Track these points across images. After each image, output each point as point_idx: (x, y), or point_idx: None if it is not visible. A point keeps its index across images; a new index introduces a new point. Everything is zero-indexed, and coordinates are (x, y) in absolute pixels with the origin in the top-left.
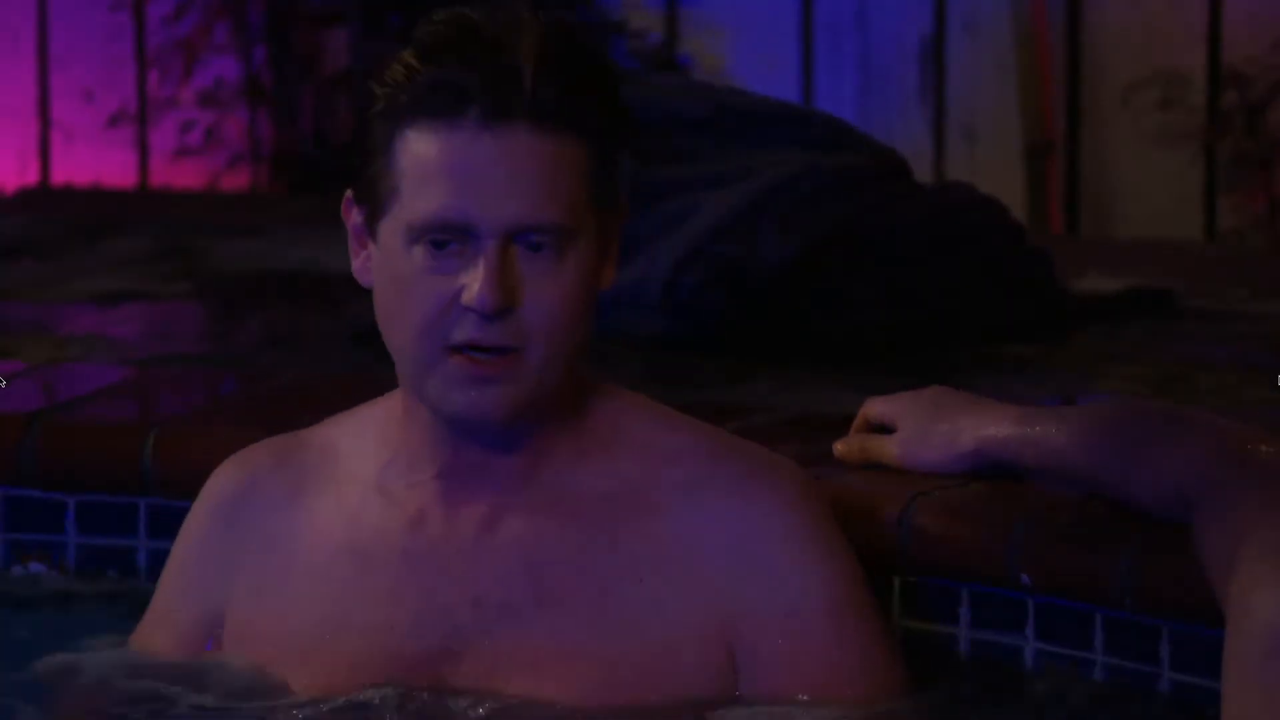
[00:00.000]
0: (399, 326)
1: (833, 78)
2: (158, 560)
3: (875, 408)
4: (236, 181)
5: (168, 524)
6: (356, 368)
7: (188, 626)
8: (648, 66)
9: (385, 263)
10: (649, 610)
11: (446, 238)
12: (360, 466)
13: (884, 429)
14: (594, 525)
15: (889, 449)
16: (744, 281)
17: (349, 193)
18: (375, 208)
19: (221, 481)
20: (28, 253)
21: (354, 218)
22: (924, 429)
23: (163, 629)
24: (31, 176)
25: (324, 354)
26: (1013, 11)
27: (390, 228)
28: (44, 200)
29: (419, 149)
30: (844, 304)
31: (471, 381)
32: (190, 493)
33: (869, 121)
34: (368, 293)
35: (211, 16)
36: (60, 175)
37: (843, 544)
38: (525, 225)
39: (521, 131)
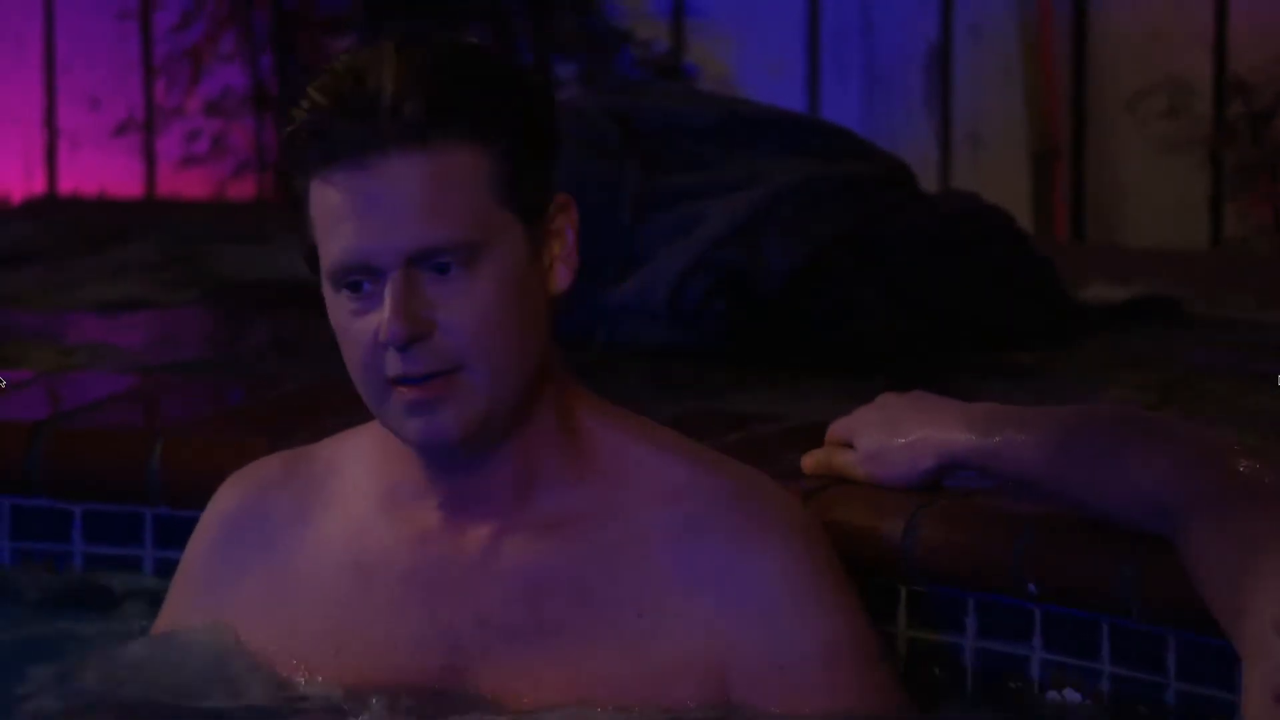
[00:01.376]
0: (350, 372)
1: (839, 85)
2: (164, 569)
3: (836, 430)
4: (243, 190)
5: (174, 533)
6: None
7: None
8: (654, 75)
9: (329, 307)
10: (648, 640)
11: (358, 279)
12: (366, 484)
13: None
14: (592, 555)
15: (852, 466)
16: (749, 289)
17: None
18: (311, 262)
19: (228, 495)
20: (34, 261)
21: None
22: (882, 446)
23: None
24: (38, 184)
25: (330, 362)
26: (1019, 18)
27: (324, 279)
28: (50, 208)
29: (317, 199)
30: (849, 311)
31: (415, 409)
32: (197, 501)
33: (875, 128)
34: None
35: (218, 25)
36: (66, 183)
37: (843, 585)
38: (421, 249)
39: (394, 158)
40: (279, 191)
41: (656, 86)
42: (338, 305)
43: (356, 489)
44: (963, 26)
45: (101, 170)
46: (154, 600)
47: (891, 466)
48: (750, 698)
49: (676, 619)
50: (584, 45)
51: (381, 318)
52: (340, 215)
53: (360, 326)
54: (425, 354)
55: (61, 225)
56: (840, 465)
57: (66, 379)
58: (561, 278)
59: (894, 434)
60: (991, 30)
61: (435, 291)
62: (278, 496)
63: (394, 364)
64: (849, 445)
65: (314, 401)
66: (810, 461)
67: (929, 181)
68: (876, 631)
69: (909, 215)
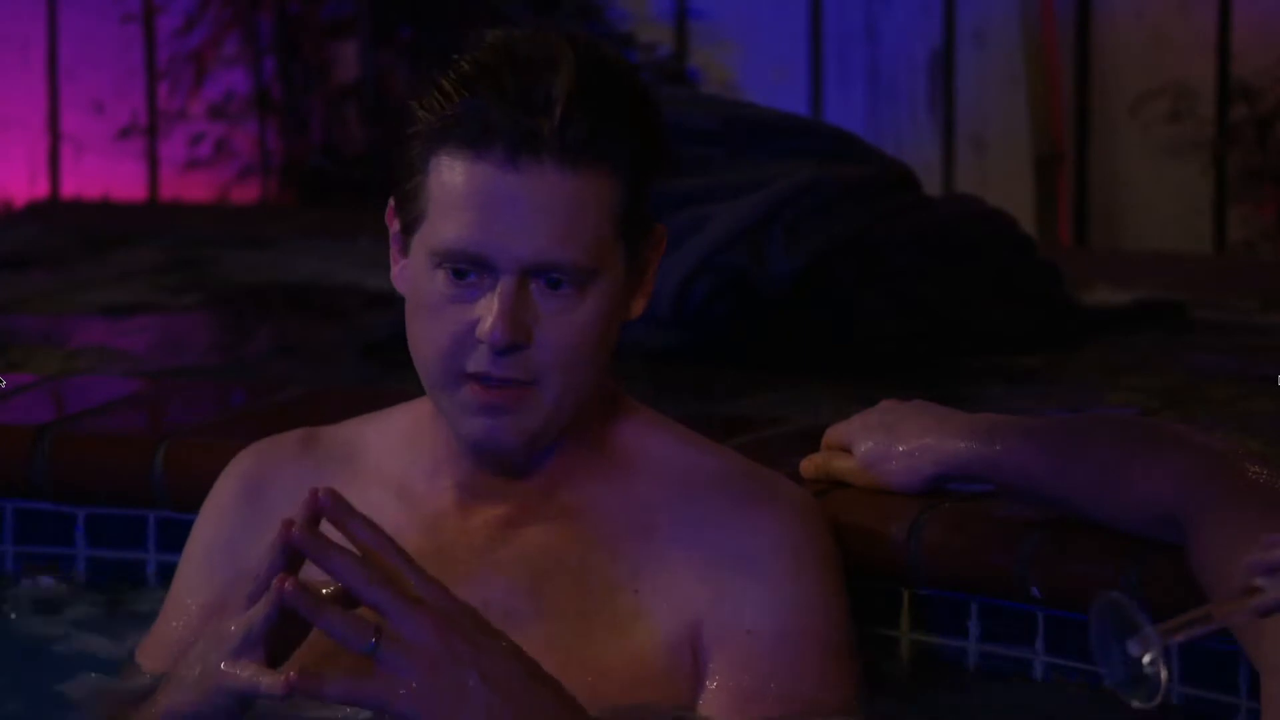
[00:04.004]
0: (421, 345)
1: (842, 89)
2: (167, 572)
3: (833, 435)
4: (246, 193)
5: (177, 536)
6: (366, 380)
7: (215, 597)
8: (657, 79)
9: (414, 280)
10: (635, 617)
11: (466, 268)
12: (382, 466)
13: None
14: (597, 538)
15: (852, 472)
16: (753, 292)
17: (391, 200)
18: (408, 223)
19: (244, 466)
20: (37, 265)
21: (394, 226)
22: (882, 452)
23: (191, 599)
24: (41, 189)
25: (333, 366)
26: (1022, 22)
27: (418, 247)
28: (54, 212)
29: (447, 176)
30: (851, 314)
31: (484, 409)
32: (200, 505)
33: (878, 133)
34: (378, 304)
35: (221, 29)
36: (70, 188)
37: (828, 575)
38: (543, 263)
39: (547, 168)
40: (283, 194)
41: (660, 90)
42: (429, 281)
43: (372, 472)
44: (966, 31)
45: (105, 174)
46: (158, 602)
47: (891, 473)
48: (712, 661)
49: (665, 592)
50: None
51: (483, 313)
52: (468, 202)
53: (454, 313)
54: (515, 362)
55: (65, 229)
56: (839, 470)
57: (70, 383)
58: (638, 306)
59: (894, 441)
60: (994, 34)
61: (541, 304)
62: (293, 469)
63: (481, 361)
64: (845, 450)
65: (316, 405)
66: (809, 466)
67: (932, 185)
68: (854, 634)
69: (912, 219)
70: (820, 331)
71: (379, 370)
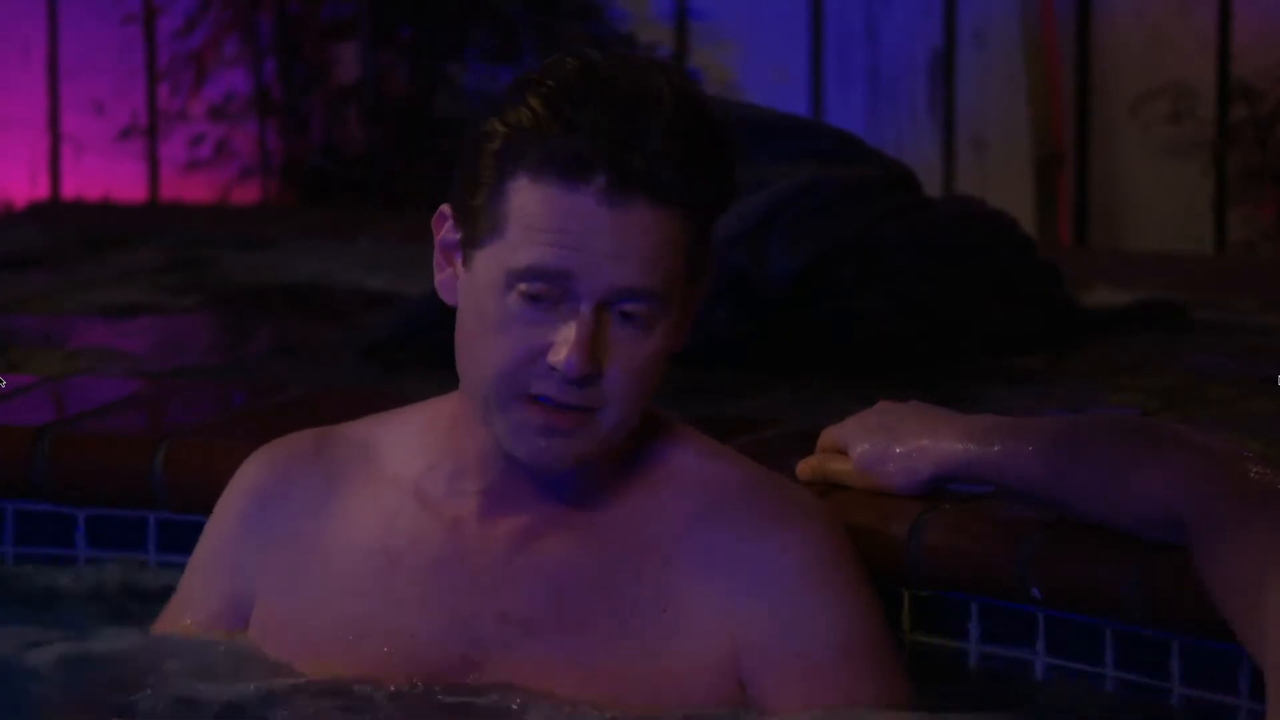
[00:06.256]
0: (479, 361)
1: (842, 90)
2: (168, 573)
3: (829, 437)
4: (247, 194)
5: (177, 537)
6: (366, 380)
7: (219, 607)
8: None
9: (476, 295)
10: (666, 638)
11: (543, 292)
12: (400, 469)
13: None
14: (620, 554)
15: (850, 474)
16: (753, 293)
17: (445, 207)
18: (473, 236)
19: (257, 467)
20: (38, 265)
21: (445, 234)
22: (879, 454)
23: (192, 610)
24: (42, 189)
25: (333, 366)
26: (1022, 23)
27: (487, 263)
28: (54, 213)
29: (532, 200)
30: (853, 316)
31: (542, 431)
32: (200, 506)
33: (878, 133)
34: (378, 305)
35: (222, 29)
36: (70, 188)
37: (862, 582)
38: (622, 294)
39: (639, 206)
40: (284, 195)
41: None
42: (500, 300)
43: (390, 473)
44: (966, 31)
45: (105, 175)
46: (158, 603)
47: (889, 475)
48: (767, 685)
49: (694, 613)
50: None
51: (558, 340)
52: (556, 228)
53: (522, 334)
54: (583, 391)
55: (66, 230)
56: (836, 473)
57: (71, 383)
58: (686, 333)
59: (892, 442)
60: (995, 35)
61: (611, 335)
62: (308, 472)
63: (547, 386)
64: (841, 452)
65: (317, 405)
66: (805, 468)
67: (932, 186)
68: (890, 628)
69: (912, 220)
70: (820, 331)
71: (379, 371)
